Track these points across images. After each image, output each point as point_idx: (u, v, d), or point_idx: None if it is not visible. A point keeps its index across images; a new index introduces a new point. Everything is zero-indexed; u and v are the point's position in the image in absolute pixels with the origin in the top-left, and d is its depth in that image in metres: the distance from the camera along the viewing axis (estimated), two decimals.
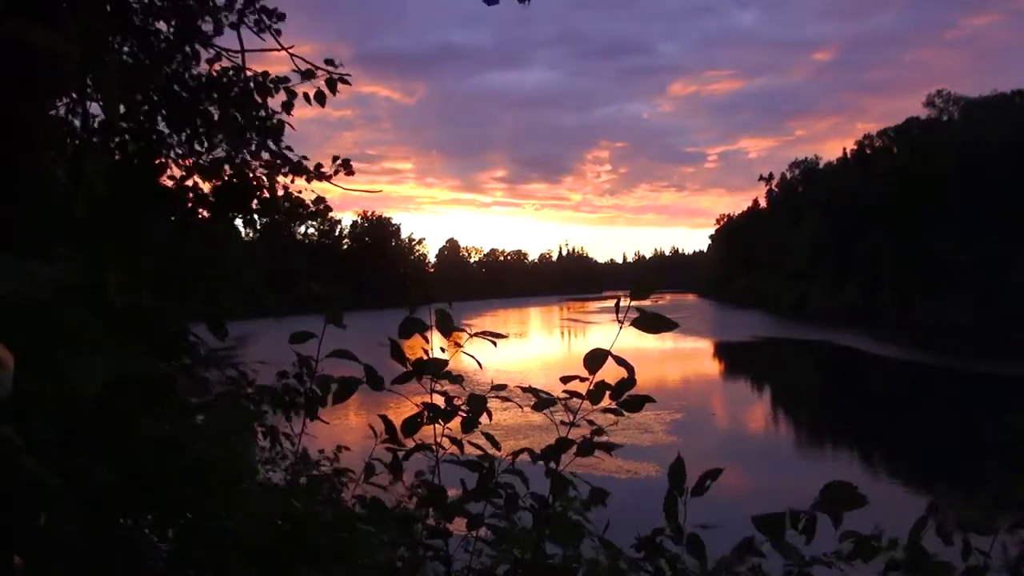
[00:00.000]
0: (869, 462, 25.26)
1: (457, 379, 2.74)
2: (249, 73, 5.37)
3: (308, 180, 5.54)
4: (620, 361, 2.52)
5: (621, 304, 2.40)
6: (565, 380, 2.70)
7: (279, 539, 2.78)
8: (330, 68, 5.37)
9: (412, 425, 2.76)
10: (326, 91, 5.37)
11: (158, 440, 2.42)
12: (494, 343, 2.76)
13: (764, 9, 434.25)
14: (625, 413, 2.69)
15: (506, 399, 2.87)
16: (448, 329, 2.61)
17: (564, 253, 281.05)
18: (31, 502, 1.45)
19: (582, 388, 2.65)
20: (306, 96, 5.35)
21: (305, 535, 2.80)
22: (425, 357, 2.71)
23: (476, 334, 2.74)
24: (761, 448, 26.30)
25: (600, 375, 2.57)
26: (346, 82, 5.40)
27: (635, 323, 2.40)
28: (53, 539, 1.58)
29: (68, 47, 0.98)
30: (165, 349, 2.59)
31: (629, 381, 2.61)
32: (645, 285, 2.43)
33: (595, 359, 2.52)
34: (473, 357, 2.87)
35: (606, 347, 2.51)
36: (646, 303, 2.42)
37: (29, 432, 1.00)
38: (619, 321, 2.40)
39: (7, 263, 0.72)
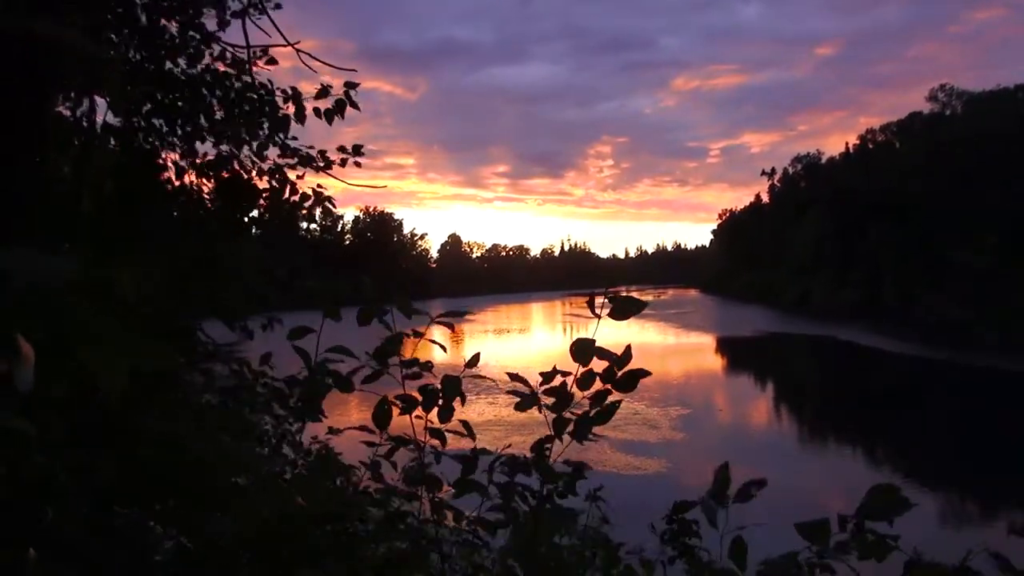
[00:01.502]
0: (875, 458, 25.24)
1: (427, 366, 2.72)
2: (255, 69, 5.38)
3: (316, 171, 5.55)
4: (604, 353, 2.52)
5: (597, 291, 2.45)
6: (546, 378, 2.66)
7: (280, 538, 2.80)
8: (347, 88, 5.36)
9: (382, 416, 2.74)
10: (346, 102, 5.37)
11: (160, 436, 2.44)
12: (451, 327, 2.73)
13: (767, 3, 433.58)
14: (619, 395, 2.65)
15: (481, 377, 2.86)
16: (407, 311, 2.59)
17: (566, 248, 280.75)
18: (38, 497, 1.47)
19: (568, 381, 2.64)
20: (316, 111, 5.35)
21: (306, 534, 2.82)
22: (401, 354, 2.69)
23: (437, 318, 2.71)
24: (769, 445, 26.28)
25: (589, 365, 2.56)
26: (356, 107, 5.39)
27: (611, 315, 2.42)
28: (58, 534, 1.60)
29: (80, 41, 0.99)
30: (174, 345, 2.61)
31: (625, 357, 2.54)
32: (625, 305, 2.45)
33: (582, 350, 2.49)
34: (438, 343, 2.87)
35: (604, 340, 2.52)
36: (647, 298, 2.44)
37: (38, 427, 1.02)
38: (596, 315, 2.43)
39: (23, 257, 0.74)
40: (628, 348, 2.55)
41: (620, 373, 2.55)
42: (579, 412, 2.68)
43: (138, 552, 2.33)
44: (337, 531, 2.90)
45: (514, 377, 2.74)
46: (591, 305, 2.43)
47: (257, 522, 2.77)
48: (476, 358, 2.82)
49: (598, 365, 2.55)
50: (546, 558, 2.83)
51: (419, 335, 2.69)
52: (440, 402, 2.70)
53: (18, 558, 1.31)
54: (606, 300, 2.44)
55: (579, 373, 2.56)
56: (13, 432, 0.96)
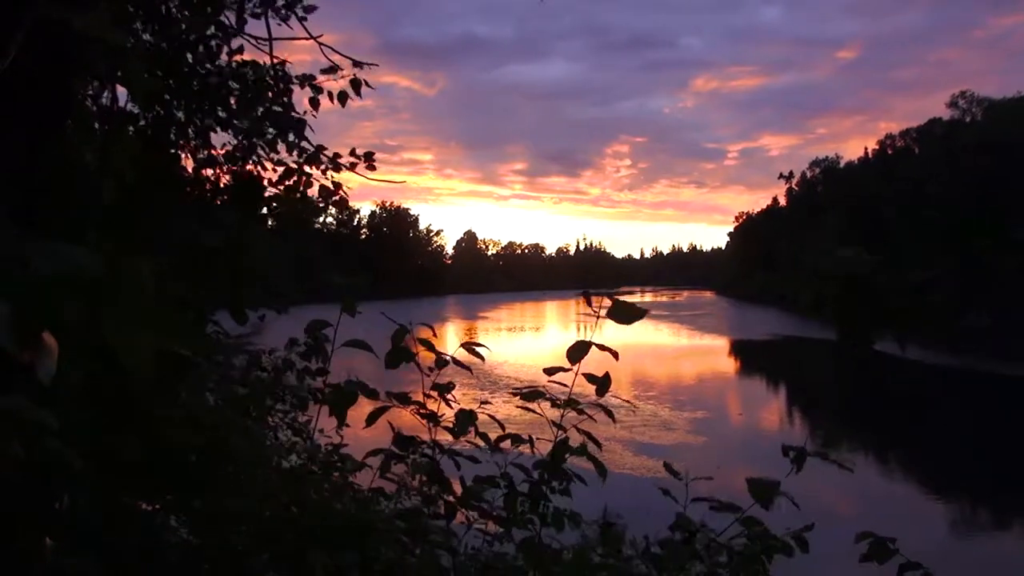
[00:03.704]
0: (891, 465, 25.10)
1: (449, 388, 2.86)
2: (274, 62, 5.38)
3: (324, 172, 5.55)
4: (603, 348, 2.62)
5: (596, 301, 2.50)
6: (549, 372, 2.78)
7: (291, 525, 2.81)
8: (357, 69, 5.37)
9: (404, 441, 2.91)
10: (350, 91, 5.38)
11: (178, 423, 2.45)
12: (481, 358, 2.81)
13: (788, 5, 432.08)
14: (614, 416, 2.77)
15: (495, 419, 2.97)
16: (442, 363, 2.73)
17: (582, 247, 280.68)
18: (54, 484, 1.48)
19: (567, 378, 2.74)
20: (329, 95, 5.36)
21: (317, 524, 2.82)
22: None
23: (464, 345, 2.83)
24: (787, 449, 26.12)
25: (591, 368, 2.66)
26: (370, 86, 5.42)
27: (609, 314, 2.48)
28: (73, 520, 1.61)
29: (112, 33, 0.99)
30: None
31: (605, 383, 2.70)
32: (625, 310, 2.50)
33: (577, 351, 2.61)
34: (466, 367, 2.94)
35: (619, 341, 2.56)
36: (662, 299, 2.47)
37: (54, 413, 1.02)
38: (595, 315, 2.51)
39: (45, 247, 0.74)
40: (607, 375, 2.70)
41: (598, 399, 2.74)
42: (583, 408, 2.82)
43: (151, 537, 2.34)
44: (349, 524, 2.91)
45: (524, 393, 2.87)
46: (590, 302, 2.50)
47: (270, 508, 2.78)
48: (488, 402, 3.02)
49: (598, 368, 2.67)
50: (553, 558, 2.83)
51: (454, 360, 2.77)
52: (455, 428, 2.82)
53: (36, 544, 1.32)
54: (606, 299, 2.49)
55: (578, 370, 2.67)
56: (28, 419, 0.97)
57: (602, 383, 2.69)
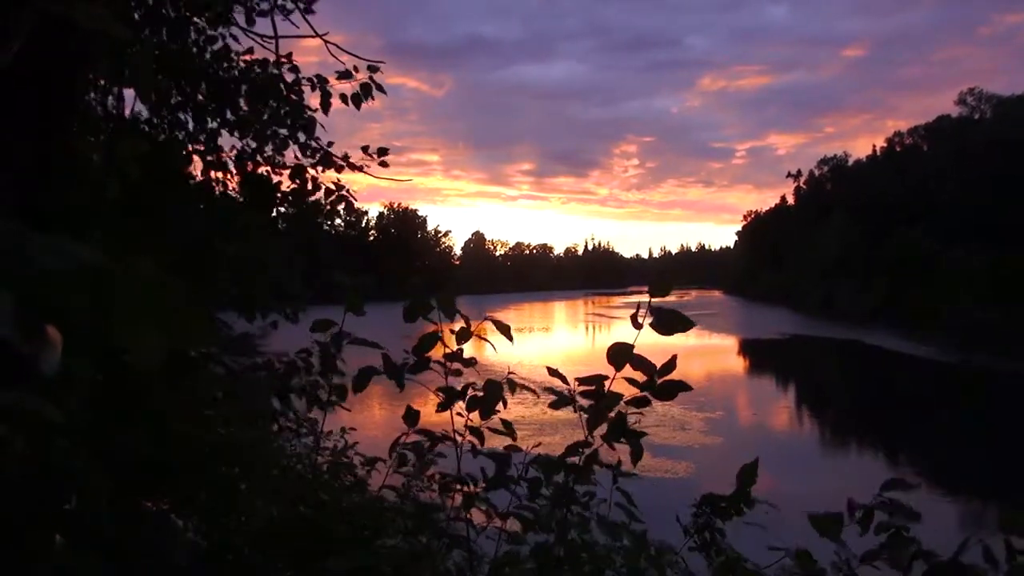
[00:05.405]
0: (903, 463, 24.98)
1: (470, 362, 2.73)
2: (283, 62, 5.38)
3: (338, 171, 5.55)
4: (640, 360, 2.48)
5: (641, 302, 2.39)
6: (583, 382, 2.62)
7: (302, 525, 2.80)
8: (371, 73, 5.36)
9: (412, 416, 2.82)
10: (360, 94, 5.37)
11: (186, 419, 2.45)
12: (510, 335, 2.71)
13: (795, 4, 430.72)
14: (653, 402, 2.61)
15: (525, 387, 2.87)
16: (451, 312, 2.58)
17: (590, 247, 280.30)
18: (62, 482, 1.47)
19: (605, 383, 2.62)
20: (343, 97, 5.35)
21: (328, 523, 2.81)
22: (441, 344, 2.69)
23: (486, 319, 2.70)
24: (800, 449, 26.10)
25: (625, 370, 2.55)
26: (382, 91, 5.41)
27: (653, 325, 2.36)
28: (83, 520, 1.61)
29: (115, 27, 0.98)
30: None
31: (669, 365, 2.51)
32: (663, 284, 2.39)
33: (619, 354, 2.47)
34: (488, 341, 2.86)
35: (630, 341, 2.49)
36: (670, 299, 2.40)
37: (62, 412, 1.02)
38: (637, 326, 2.37)
39: (46, 243, 0.74)
40: (673, 357, 2.51)
41: (660, 381, 2.52)
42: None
43: (160, 538, 2.33)
44: (361, 522, 2.90)
45: (553, 373, 2.76)
46: (635, 315, 2.37)
47: (281, 509, 2.78)
48: (515, 375, 2.86)
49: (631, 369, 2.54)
50: (568, 557, 2.82)
51: (467, 334, 2.69)
52: (482, 403, 2.69)
53: (44, 542, 1.31)
54: (648, 310, 2.38)
55: (615, 376, 2.54)
56: (30, 414, 0.96)
57: (669, 389, 2.54)
